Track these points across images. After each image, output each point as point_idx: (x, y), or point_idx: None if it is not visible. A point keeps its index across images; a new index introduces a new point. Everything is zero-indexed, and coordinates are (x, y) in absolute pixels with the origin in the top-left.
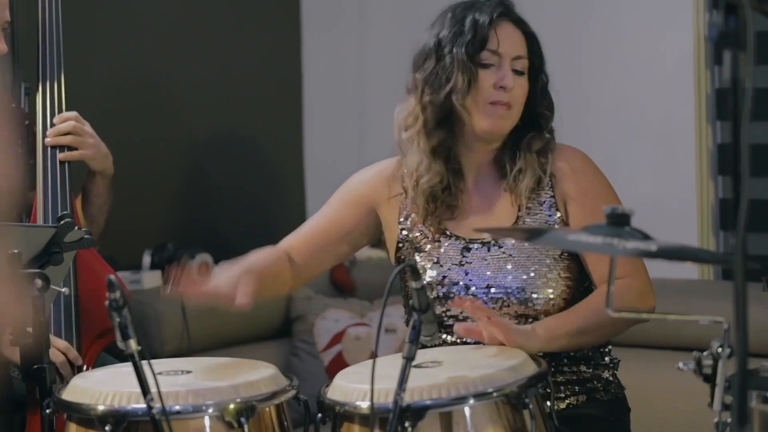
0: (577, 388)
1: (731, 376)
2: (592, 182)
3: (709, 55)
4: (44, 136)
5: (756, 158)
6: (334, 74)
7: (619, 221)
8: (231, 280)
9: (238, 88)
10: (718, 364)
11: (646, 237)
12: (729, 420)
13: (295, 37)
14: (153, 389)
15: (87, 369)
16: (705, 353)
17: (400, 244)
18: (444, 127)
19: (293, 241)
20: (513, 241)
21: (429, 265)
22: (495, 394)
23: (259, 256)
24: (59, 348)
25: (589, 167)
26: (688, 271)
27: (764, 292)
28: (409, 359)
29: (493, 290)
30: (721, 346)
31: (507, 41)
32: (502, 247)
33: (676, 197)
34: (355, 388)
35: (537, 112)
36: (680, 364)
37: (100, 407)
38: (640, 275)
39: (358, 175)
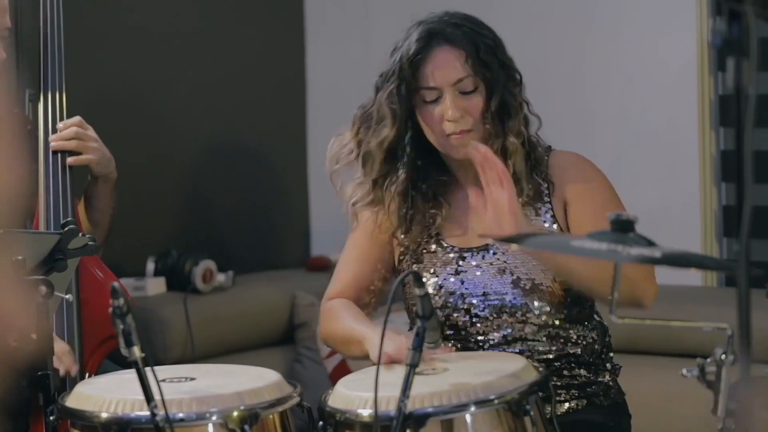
0: (576, 392)
1: (734, 383)
2: (591, 180)
3: (712, 62)
4: (46, 142)
5: (759, 165)
6: (337, 82)
7: (623, 227)
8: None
9: (241, 95)
10: (722, 371)
11: (650, 243)
12: (733, 427)
13: (298, 46)
14: (156, 396)
15: (90, 376)
16: (708, 360)
17: (401, 256)
18: (387, 161)
19: (337, 290)
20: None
21: (426, 276)
22: (496, 401)
23: (353, 311)
24: (58, 352)
25: (586, 166)
26: (692, 277)
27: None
28: (412, 366)
29: (489, 297)
30: (724, 352)
31: (440, 71)
32: (496, 253)
33: (680, 204)
34: (356, 395)
35: (503, 119)
36: (684, 371)
37: (104, 414)
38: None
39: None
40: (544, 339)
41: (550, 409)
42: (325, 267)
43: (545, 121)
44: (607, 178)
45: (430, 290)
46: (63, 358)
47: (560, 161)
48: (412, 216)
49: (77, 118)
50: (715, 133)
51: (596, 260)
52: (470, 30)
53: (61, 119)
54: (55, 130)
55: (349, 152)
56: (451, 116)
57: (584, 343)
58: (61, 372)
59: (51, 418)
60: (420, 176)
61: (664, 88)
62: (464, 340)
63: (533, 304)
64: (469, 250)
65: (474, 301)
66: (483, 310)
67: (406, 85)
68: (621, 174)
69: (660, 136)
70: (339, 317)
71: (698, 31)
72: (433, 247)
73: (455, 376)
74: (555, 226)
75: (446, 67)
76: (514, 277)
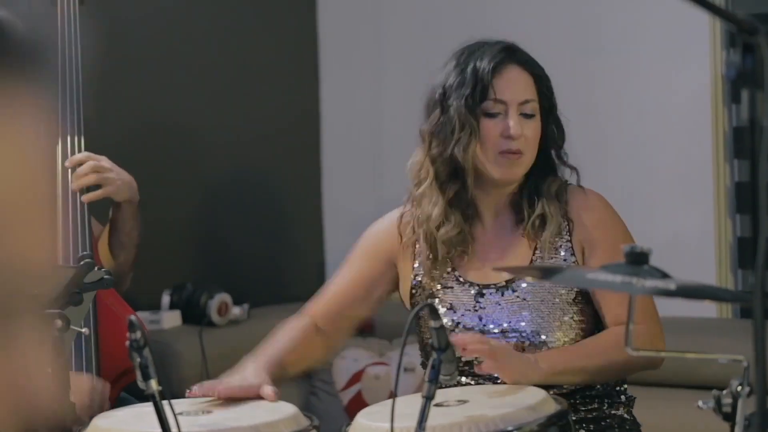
0: (592, 426)
1: (751, 415)
2: (612, 228)
3: (726, 93)
4: (63, 181)
5: None
6: (351, 116)
7: (637, 260)
8: (253, 378)
9: (256, 129)
10: (738, 403)
11: (664, 275)
12: None
13: (313, 79)
14: (174, 430)
15: (107, 409)
16: (724, 392)
17: (414, 290)
18: (457, 178)
19: (318, 308)
20: (526, 285)
21: (443, 311)
22: None
23: (283, 339)
24: (83, 388)
25: (607, 211)
26: (707, 309)
27: None
28: (428, 398)
29: (508, 335)
30: (740, 384)
31: (511, 87)
32: (516, 291)
33: (694, 236)
34: (377, 426)
35: (548, 154)
36: (700, 403)
37: None
38: (652, 321)
39: (372, 228)
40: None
41: None
42: None
43: None
44: (623, 221)
45: (448, 326)
46: (92, 400)
47: (580, 201)
48: (439, 252)
49: (84, 154)
50: (729, 165)
51: (610, 366)
52: (539, 64)
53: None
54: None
55: (426, 172)
56: (514, 133)
57: None
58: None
59: None
60: (462, 211)
61: (677, 120)
62: (480, 377)
63: (550, 342)
64: (489, 286)
65: (492, 338)
66: None
67: (481, 92)
68: (635, 206)
69: (674, 168)
70: (274, 337)
71: (712, 62)
72: (451, 282)
73: (473, 407)
74: (573, 261)
75: (518, 85)
76: (533, 315)
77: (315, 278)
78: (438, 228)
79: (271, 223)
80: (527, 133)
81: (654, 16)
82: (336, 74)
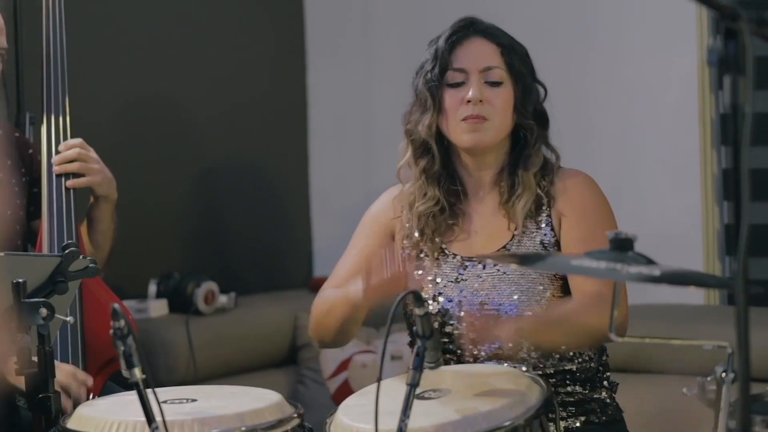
0: (573, 409)
1: (735, 401)
2: (590, 201)
3: (713, 80)
4: (49, 164)
5: (757, 183)
6: (339, 102)
7: (622, 246)
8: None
9: (243, 115)
10: (722, 389)
11: (649, 262)
12: None
13: (299, 67)
14: (158, 418)
15: (93, 397)
16: (709, 378)
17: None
18: (428, 152)
19: (335, 285)
20: None
21: (429, 285)
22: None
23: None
24: (65, 371)
25: (589, 186)
26: (694, 296)
27: None
28: (413, 386)
29: (486, 307)
30: (725, 371)
31: (472, 56)
32: (497, 264)
33: (682, 223)
34: (356, 428)
35: (521, 124)
36: (684, 390)
37: None
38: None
39: (372, 207)
40: (539, 353)
41: (553, 426)
42: None
43: None
44: (607, 201)
45: (430, 296)
46: (70, 385)
47: (566, 178)
48: (434, 223)
49: (79, 140)
50: (717, 151)
51: (576, 337)
52: (507, 35)
53: (64, 141)
54: (57, 152)
55: (405, 150)
56: (472, 96)
57: (580, 359)
58: (81, 398)
59: None
60: (439, 184)
61: (665, 107)
62: (456, 352)
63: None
64: (471, 259)
65: (470, 310)
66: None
67: (440, 66)
68: (623, 193)
69: (661, 155)
70: (324, 296)
71: (699, 49)
72: (436, 254)
73: (458, 401)
74: (553, 236)
75: (478, 54)
76: (512, 289)
77: (303, 267)
78: (416, 201)
79: (258, 212)
80: (492, 100)
81: (643, 4)
82: (324, 61)
